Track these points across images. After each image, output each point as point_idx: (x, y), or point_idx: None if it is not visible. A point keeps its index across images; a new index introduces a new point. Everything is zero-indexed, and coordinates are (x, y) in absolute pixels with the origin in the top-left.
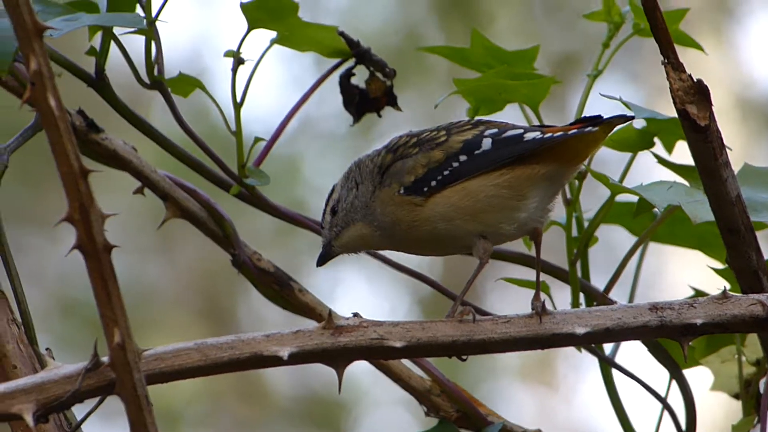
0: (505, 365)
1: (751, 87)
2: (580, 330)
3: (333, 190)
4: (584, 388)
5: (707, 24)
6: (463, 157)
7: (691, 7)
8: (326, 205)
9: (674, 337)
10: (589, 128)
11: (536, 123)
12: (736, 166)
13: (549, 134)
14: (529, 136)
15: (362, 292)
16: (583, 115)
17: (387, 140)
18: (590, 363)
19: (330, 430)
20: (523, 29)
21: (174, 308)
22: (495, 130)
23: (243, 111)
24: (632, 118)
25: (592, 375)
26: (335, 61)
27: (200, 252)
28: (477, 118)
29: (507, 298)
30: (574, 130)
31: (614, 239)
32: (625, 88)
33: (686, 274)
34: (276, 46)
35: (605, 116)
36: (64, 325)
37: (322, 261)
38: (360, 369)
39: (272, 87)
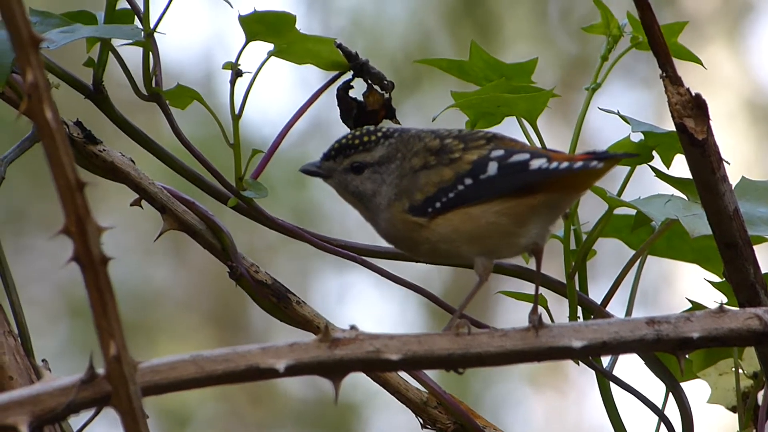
0: (513, 370)
1: (761, 91)
2: (577, 343)
3: (369, 142)
4: (595, 394)
5: (719, 28)
6: (468, 181)
7: (703, 12)
8: (348, 149)
9: (671, 351)
10: (594, 164)
11: (534, 136)
12: (744, 172)
13: (555, 164)
14: (535, 164)
15: (368, 298)
16: (582, 134)
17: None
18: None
19: None
20: (533, 33)
21: (183, 312)
22: (502, 152)
23: (248, 119)
24: (637, 155)
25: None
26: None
27: (210, 256)
28: (491, 131)
29: (508, 312)
30: (580, 164)
31: (613, 253)
32: (634, 95)
33: (684, 288)
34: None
35: (611, 152)
36: (71, 327)
37: (309, 172)
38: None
39: (279, 94)
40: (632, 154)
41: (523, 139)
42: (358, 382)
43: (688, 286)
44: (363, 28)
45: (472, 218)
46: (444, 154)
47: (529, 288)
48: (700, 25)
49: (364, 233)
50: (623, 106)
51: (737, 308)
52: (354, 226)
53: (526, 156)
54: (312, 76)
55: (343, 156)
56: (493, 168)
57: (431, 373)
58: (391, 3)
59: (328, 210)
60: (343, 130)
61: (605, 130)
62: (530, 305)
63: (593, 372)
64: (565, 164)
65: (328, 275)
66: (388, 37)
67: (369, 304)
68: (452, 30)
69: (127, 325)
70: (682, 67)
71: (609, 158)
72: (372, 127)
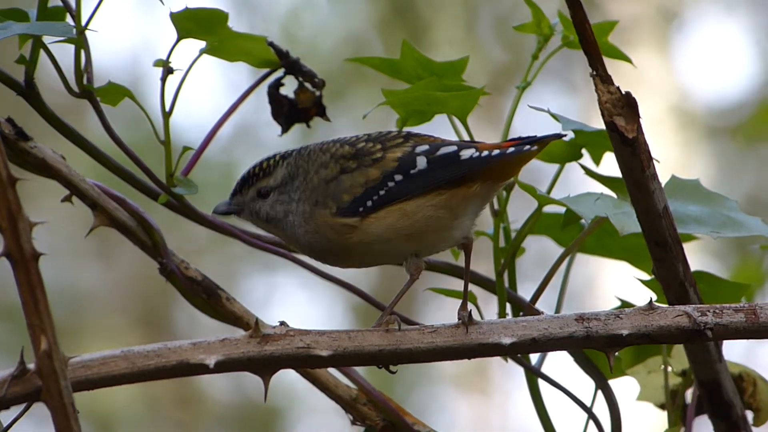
0: (439, 372)
1: (688, 96)
2: (507, 340)
3: (268, 167)
4: (519, 395)
5: (645, 34)
6: (398, 177)
7: (630, 17)
8: (251, 178)
9: (600, 348)
10: (527, 147)
11: (465, 135)
12: (670, 174)
13: (486, 152)
14: (465, 154)
15: (296, 299)
16: (511, 133)
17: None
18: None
19: None
20: (463, 39)
21: (110, 314)
22: (427, 147)
23: (179, 120)
24: (565, 135)
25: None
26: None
27: (138, 257)
28: (406, 129)
29: (437, 309)
30: (512, 149)
31: (542, 251)
32: (560, 98)
33: (613, 285)
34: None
35: (539, 135)
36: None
37: (221, 213)
38: (294, 374)
39: (210, 95)
40: (560, 135)
41: (453, 136)
42: (281, 384)
43: (617, 285)
44: (293, 32)
45: (407, 214)
46: (363, 156)
47: (458, 285)
48: (627, 31)
49: None
50: (552, 109)
51: (667, 305)
52: None
53: (454, 148)
54: (243, 78)
55: (248, 186)
56: (422, 162)
57: (361, 370)
58: (323, 8)
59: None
60: (274, 128)
61: (535, 130)
62: (459, 302)
63: (520, 372)
64: (496, 151)
65: (256, 275)
66: (319, 41)
67: (297, 304)
68: (383, 34)
69: (55, 326)
70: (611, 72)
71: (540, 141)
72: (270, 154)
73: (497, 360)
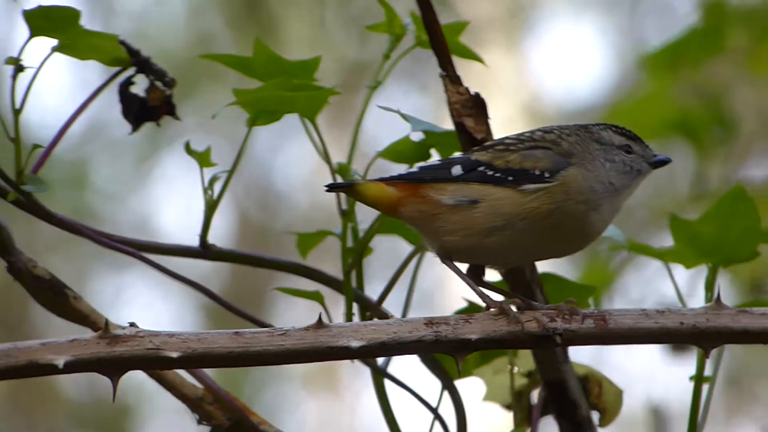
0: (288, 372)
1: (539, 97)
2: (356, 344)
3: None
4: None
5: (500, 33)
6: None
7: (486, 17)
8: None
9: (449, 353)
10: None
11: (315, 134)
12: None
13: None
14: None
15: (146, 298)
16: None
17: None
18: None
19: None
20: (318, 38)
21: None
22: None
23: (30, 118)
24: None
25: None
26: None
27: None
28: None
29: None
30: None
31: (390, 251)
32: (412, 98)
33: (462, 285)
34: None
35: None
36: None
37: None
38: (143, 373)
39: (62, 93)
40: (349, 184)
41: (304, 137)
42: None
43: (464, 286)
44: (145, 30)
45: None
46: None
47: (305, 284)
48: (480, 32)
49: (141, 235)
50: (403, 109)
51: (517, 311)
52: (128, 228)
53: None
54: (94, 76)
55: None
56: None
57: (208, 371)
58: (174, 6)
59: (103, 212)
60: (125, 126)
61: (386, 130)
62: (308, 302)
63: (367, 374)
64: None
65: (105, 275)
66: (171, 40)
67: (147, 305)
68: (235, 34)
69: None
70: (463, 72)
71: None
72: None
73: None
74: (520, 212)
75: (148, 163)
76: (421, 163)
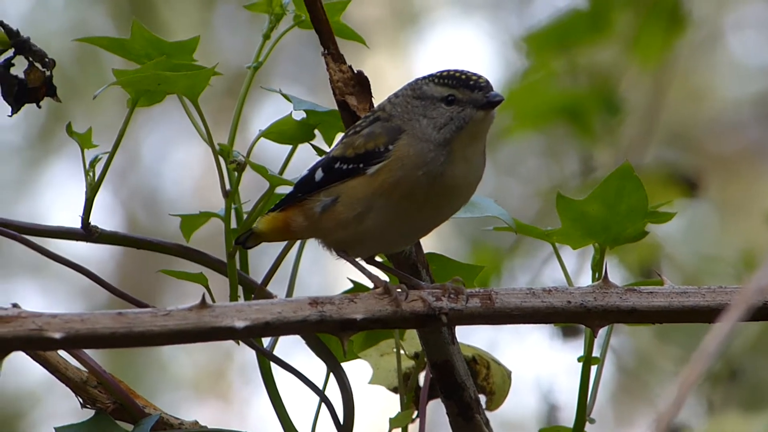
0: (180, 378)
1: None
2: (240, 324)
3: None
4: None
5: (388, 36)
6: None
7: (374, 19)
8: None
9: (334, 332)
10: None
11: (196, 115)
12: None
13: None
14: None
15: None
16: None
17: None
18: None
19: None
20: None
21: None
22: None
23: None
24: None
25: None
26: None
27: None
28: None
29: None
30: None
31: None
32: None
33: (348, 266)
34: None
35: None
36: None
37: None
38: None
39: None
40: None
41: (185, 118)
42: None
43: (349, 266)
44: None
45: None
46: None
47: (191, 267)
48: (368, 35)
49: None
50: (285, 90)
51: (401, 290)
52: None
53: None
54: None
55: None
56: None
57: (92, 353)
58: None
59: None
60: (4, 108)
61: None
62: (192, 284)
63: (258, 375)
64: None
65: None
66: (50, 22)
67: (30, 286)
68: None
69: None
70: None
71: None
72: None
73: (238, 365)
74: (374, 192)
75: (37, 164)
76: (298, 177)
